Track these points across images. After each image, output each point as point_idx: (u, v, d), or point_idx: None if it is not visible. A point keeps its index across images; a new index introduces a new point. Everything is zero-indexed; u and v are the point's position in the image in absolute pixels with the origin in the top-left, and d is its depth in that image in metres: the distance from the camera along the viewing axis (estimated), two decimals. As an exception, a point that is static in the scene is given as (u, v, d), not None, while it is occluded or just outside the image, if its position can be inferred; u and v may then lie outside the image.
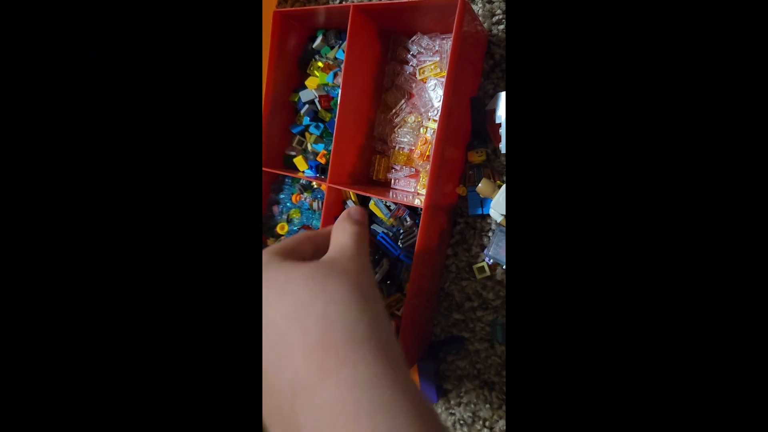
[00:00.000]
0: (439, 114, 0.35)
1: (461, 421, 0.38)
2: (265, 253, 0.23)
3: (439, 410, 0.39)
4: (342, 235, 0.24)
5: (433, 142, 0.30)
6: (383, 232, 0.35)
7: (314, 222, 0.40)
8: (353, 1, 0.38)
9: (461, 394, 0.38)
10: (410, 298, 0.32)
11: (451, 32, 0.35)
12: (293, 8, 0.38)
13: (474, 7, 0.35)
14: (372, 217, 0.37)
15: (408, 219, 0.35)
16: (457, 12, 0.28)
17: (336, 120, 0.34)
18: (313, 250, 0.25)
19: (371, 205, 0.37)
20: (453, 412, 0.39)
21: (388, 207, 0.36)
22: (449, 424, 0.39)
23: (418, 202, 0.33)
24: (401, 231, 0.35)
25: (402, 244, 0.34)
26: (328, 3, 0.43)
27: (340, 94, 0.34)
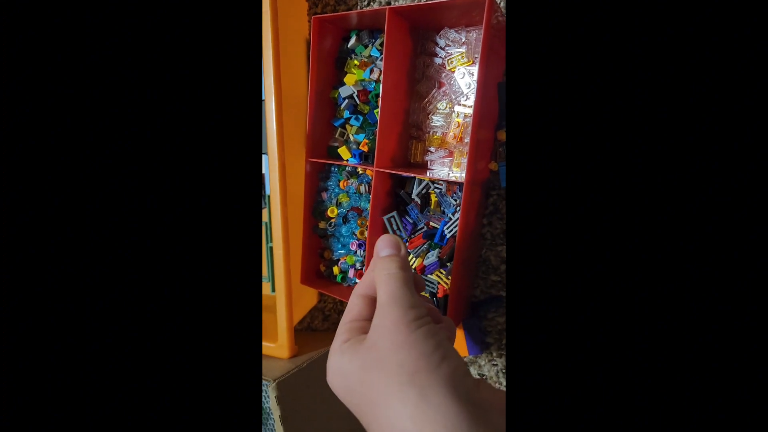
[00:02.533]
0: (467, 100, 0.40)
1: (503, 371, 0.43)
2: (338, 336, 0.23)
3: (483, 362, 0.45)
4: (379, 290, 0.23)
5: (471, 125, 0.34)
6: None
7: (362, 204, 0.45)
8: (388, 4, 0.42)
9: (502, 347, 0.43)
10: (456, 268, 0.37)
11: (475, 25, 0.39)
12: (331, 14, 0.42)
13: None
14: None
15: (453, 200, 0.39)
16: (485, 9, 0.32)
17: (379, 112, 0.39)
18: (369, 309, 0.24)
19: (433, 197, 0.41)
20: (495, 363, 0.44)
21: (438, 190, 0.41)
22: (492, 374, 0.44)
23: (453, 178, 0.37)
24: (446, 221, 0.40)
25: (448, 233, 0.39)
26: (357, 5, 0.47)
27: (381, 89, 0.38)
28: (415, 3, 0.36)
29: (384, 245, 0.25)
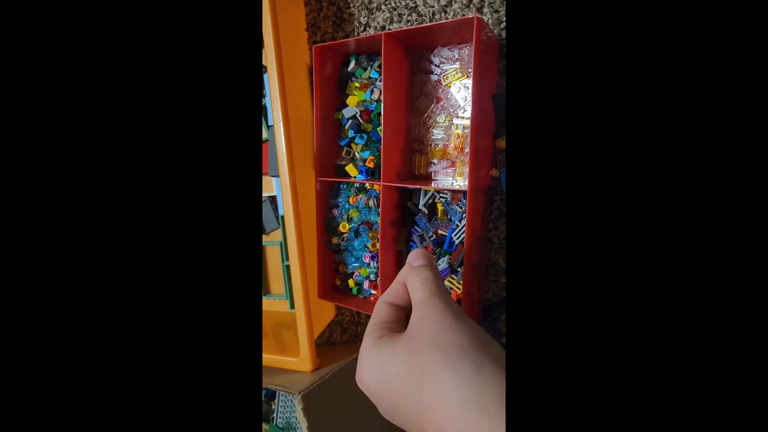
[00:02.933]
0: (465, 112, 0.42)
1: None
2: (369, 335, 0.25)
3: (500, 363, 0.46)
4: (416, 291, 0.25)
5: (470, 135, 0.36)
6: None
7: (372, 217, 0.47)
8: (383, 29, 0.45)
9: (517, 347, 0.44)
10: (467, 272, 0.38)
11: (466, 42, 0.42)
12: (330, 42, 0.45)
13: (483, 17, 0.42)
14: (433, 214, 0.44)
15: (459, 207, 0.41)
16: (474, 28, 0.34)
17: (382, 130, 0.41)
18: (397, 315, 0.26)
19: (439, 205, 0.43)
20: (512, 363, 0.45)
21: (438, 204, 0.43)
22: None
23: (457, 186, 0.39)
24: (453, 228, 0.41)
25: (456, 239, 0.41)
26: (353, 31, 0.50)
27: (382, 108, 0.41)
28: (409, 27, 0.39)
29: (417, 257, 0.27)
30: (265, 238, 0.59)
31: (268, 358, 0.49)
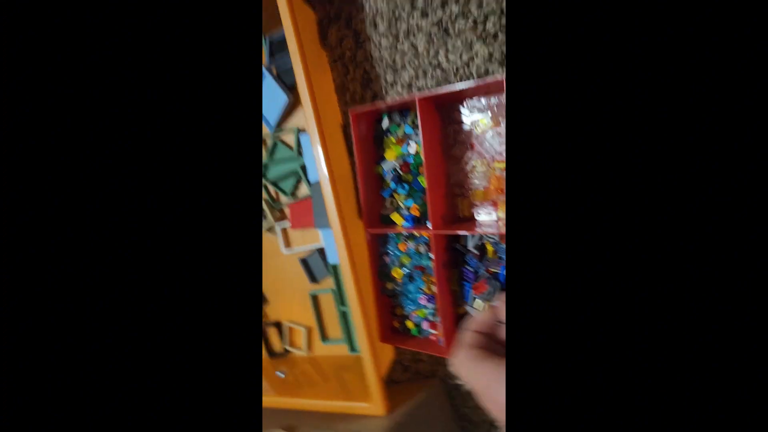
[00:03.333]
0: (500, 156, 0.45)
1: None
2: (467, 350, 0.29)
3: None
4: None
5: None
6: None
7: (423, 262, 0.50)
8: (409, 86, 0.49)
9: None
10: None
11: (491, 93, 0.45)
12: (368, 107, 0.49)
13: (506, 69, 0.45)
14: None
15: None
16: (505, 92, 0.38)
17: (426, 184, 0.44)
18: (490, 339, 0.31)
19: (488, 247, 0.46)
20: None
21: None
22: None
23: (501, 225, 0.42)
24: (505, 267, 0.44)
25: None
26: (381, 88, 0.54)
27: (424, 162, 0.44)
28: (440, 92, 0.42)
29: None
30: (316, 286, 0.63)
31: (335, 404, 0.52)
